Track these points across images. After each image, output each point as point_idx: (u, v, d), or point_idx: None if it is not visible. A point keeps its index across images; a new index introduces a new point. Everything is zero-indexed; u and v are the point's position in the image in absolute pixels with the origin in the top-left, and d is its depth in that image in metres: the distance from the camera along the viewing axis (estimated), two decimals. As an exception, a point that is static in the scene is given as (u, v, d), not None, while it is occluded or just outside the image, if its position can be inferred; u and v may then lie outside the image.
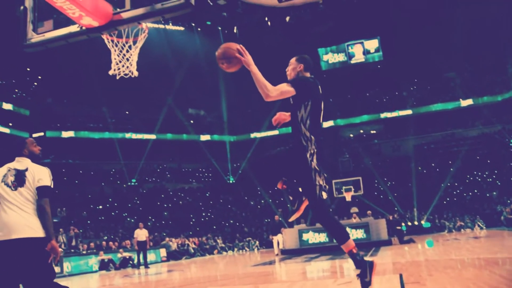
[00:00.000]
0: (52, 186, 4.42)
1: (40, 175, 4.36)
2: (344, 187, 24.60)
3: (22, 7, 5.80)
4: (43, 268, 4.16)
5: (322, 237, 18.93)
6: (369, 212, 21.12)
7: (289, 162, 4.39)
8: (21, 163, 4.45)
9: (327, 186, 4.28)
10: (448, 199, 32.21)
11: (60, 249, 18.43)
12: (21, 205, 4.19)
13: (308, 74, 4.60)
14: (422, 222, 29.78)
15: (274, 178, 4.57)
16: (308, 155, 4.25)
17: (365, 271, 4.21)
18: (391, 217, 23.83)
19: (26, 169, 4.38)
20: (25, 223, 4.12)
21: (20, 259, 4.05)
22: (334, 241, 4.41)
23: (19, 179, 4.30)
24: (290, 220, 4.67)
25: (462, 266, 7.70)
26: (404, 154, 38.79)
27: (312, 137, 4.30)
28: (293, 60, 4.68)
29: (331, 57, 41.30)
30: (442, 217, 29.64)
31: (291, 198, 4.51)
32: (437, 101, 39.72)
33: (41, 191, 4.30)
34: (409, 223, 29.30)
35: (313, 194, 4.21)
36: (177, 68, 37.22)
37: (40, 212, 4.24)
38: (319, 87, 4.49)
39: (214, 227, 33.24)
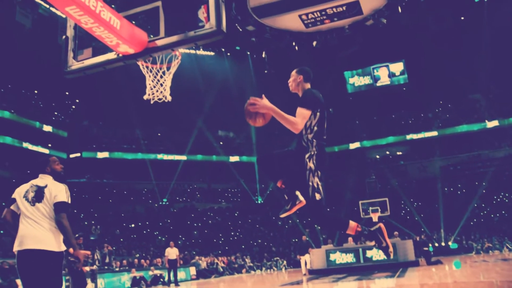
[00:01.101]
0: (69, 202, 4.58)
1: (57, 191, 4.54)
2: (371, 208, 24.32)
3: (64, 37, 5.97)
4: (48, 279, 4.37)
5: (349, 258, 18.67)
6: (396, 233, 20.75)
7: (289, 161, 4.46)
8: (42, 180, 4.68)
9: (321, 188, 4.30)
10: (475, 220, 31.49)
11: (96, 266, 18.59)
12: (37, 219, 4.42)
13: (308, 85, 4.68)
14: (449, 243, 29.15)
15: (275, 175, 4.63)
16: (306, 156, 4.32)
17: (378, 238, 4.37)
18: (418, 238, 23.41)
19: (46, 186, 4.59)
20: (38, 236, 4.38)
21: (29, 268, 4.33)
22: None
23: (38, 195, 4.52)
24: (281, 216, 4.67)
25: (491, 288, 7.49)
26: (430, 175, 38.18)
27: (314, 140, 4.37)
28: (293, 72, 4.77)
29: (357, 80, 41.29)
30: (470, 238, 28.97)
31: (286, 197, 4.51)
32: (463, 123, 39.05)
33: (58, 206, 4.49)
34: (436, 244, 28.70)
35: (306, 193, 4.29)
36: (207, 91, 37.56)
37: (59, 226, 4.45)
38: (321, 95, 4.58)
39: (243, 246, 33.10)
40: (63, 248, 4.53)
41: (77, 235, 13.01)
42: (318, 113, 4.42)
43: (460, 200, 33.27)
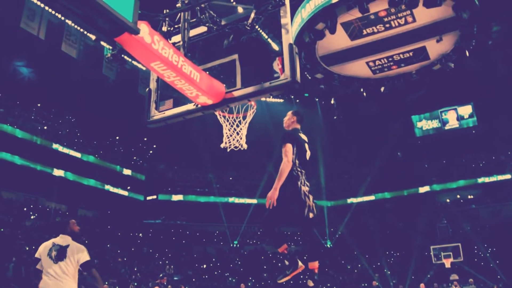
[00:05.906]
0: (90, 259, 5.42)
1: (79, 252, 5.32)
2: (443, 253, 23.18)
3: (147, 89, 6.22)
4: None
5: (421, 305, 17.77)
6: (471, 280, 19.58)
7: (286, 189, 4.97)
8: (64, 239, 5.39)
9: (314, 208, 5.02)
10: (557, 267, 29.12)
11: None
12: (58, 277, 5.14)
13: (298, 126, 5.43)
14: (530, 292, 27.08)
15: (279, 240, 5.40)
16: (299, 183, 5.03)
17: (290, 268, 5.04)
18: (495, 287, 21.97)
19: (68, 246, 5.30)
20: (59, 286, 5.11)
21: None
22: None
23: (61, 254, 5.23)
24: (279, 281, 5.30)
25: None
26: (505, 219, 35.77)
27: (303, 170, 5.14)
28: (289, 112, 5.55)
29: (425, 124, 40.28)
30: (552, 287, 26.79)
31: (286, 263, 5.16)
32: (538, 165, 36.81)
33: (86, 265, 5.32)
34: (516, 293, 26.74)
35: (302, 213, 5.00)
36: (277, 137, 37.65)
37: (93, 278, 5.33)
38: (300, 135, 5.34)
39: (312, 289, 32.22)
40: None
41: (161, 275, 13.49)
42: (295, 148, 5.09)
43: (540, 246, 30.94)
